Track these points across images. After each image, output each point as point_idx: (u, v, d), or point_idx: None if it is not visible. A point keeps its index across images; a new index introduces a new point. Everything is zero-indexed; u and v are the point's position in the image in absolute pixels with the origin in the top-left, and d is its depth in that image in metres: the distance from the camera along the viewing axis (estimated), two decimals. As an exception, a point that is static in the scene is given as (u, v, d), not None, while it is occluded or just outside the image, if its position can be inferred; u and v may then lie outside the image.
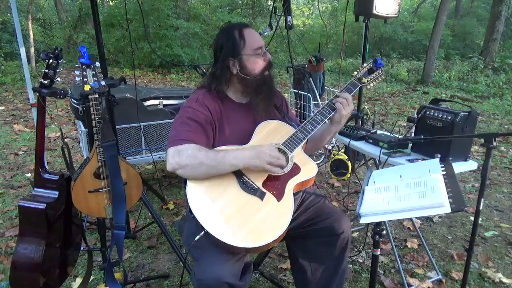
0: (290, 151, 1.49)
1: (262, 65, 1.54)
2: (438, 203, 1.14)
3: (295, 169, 1.48)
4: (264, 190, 1.40)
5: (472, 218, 1.91)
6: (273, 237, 1.29)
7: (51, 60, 1.57)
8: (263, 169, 1.40)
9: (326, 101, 1.62)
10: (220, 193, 1.37)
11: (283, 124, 1.61)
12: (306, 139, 1.52)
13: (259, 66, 1.53)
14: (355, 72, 1.69)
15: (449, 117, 1.90)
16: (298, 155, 1.51)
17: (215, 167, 1.37)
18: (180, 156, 1.35)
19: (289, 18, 2.48)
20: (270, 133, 1.55)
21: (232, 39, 1.51)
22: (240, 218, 1.32)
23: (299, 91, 3.76)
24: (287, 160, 1.48)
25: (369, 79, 1.68)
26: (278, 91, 1.73)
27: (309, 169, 1.49)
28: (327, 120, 1.56)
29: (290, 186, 1.43)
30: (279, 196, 1.40)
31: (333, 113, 1.55)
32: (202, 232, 1.27)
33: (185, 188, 1.38)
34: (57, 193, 1.70)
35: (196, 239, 1.26)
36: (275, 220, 1.34)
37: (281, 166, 1.42)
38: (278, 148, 1.50)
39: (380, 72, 1.71)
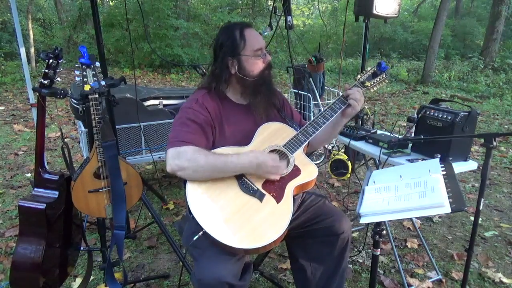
0: (290, 153, 1.49)
1: (261, 67, 1.53)
2: (438, 203, 1.14)
3: (296, 171, 1.47)
4: (263, 191, 1.40)
5: (472, 218, 1.91)
6: (271, 238, 1.29)
7: (51, 60, 1.57)
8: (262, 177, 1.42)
9: (326, 101, 1.62)
10: (219, 194, 1.37)
11: (285, 126, 1.60)
12: (308, 141, 1.52)
13: (258, 67, 1.52)
14: (359, 76, 1.67)
15: (449, 117, 1.90)
16: (299, 157, 1.50)
17: (215, 172, 1.37)
18: (180, 159, 1.35)
19: (289, 18, 2.48)
20: (272, 135, 1.54)
21: (232, 38, 1.49)
22: (239, 219, 1.31)
23: (299, 91, 3.76)
24: (288, 163, 1.48)
25: (372, 83, 1.65)
26: (278, 91, 1.72)
27: (309, 172, 1.48)
28: (332, 119, 1.55)
29: (290, 188, 1.43)
30: (278, 197, 1.39)
31: (335, 115, 1.54)
32: (201, 232, 1.27)
33: (185, 188, 1.38)
34: (57, 193, 1.70)
35: (194, 238, 1.26)
36: (274, 222, 1.33)
37: (280, 174, 1.43)
38: (279, 150, 1.49)
39: (384, 76, 1.68)
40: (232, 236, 1.27)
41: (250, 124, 1.56)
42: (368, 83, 1.65)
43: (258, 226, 1.31)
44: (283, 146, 1.50)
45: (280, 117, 1.66)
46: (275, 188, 1.42)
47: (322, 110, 1.57)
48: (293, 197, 1.42)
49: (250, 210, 1.34)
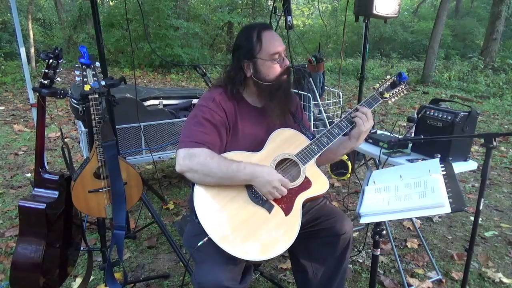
0: (302, 164, 1.45)
1: (277, 71, 1.48)
2: (438, 203, 1.14)
3: (306, 183, 1.44)
4: (273, 202, 1.38)
5: (472, 218, 1.91)
6: (276, 252, 1.29)
7: (51, 60, 1.57)
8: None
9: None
10: (228, 201, 1.34)
11: (298, 134, 1.55)
12: (321, 153, 1.49)
13: (274, 72, 1.47)
14: (377, 85, 1.60)
15: (449, 117, 1.90)
16: (311, 169, 1.47)
17: (224, 179, 1.34)
18: (191, 160, 1.33)
19: (289, 18, 2.48)
20: (284, 142, 1.50)
21: (249, 40, 1.46)
22: (245, 229, 1.30)
23: (299, 91, 3.76)
24: (299, 173, 1.45)
25: (391, 94, 1.58)
26: (294, 96, 1.68)
27: (320, 185, 1.45)
28: (344, 134, 1.52)
29: (299, 201, 1.40)
30: (287, 210, 1.37)
31: (350, 127, 1.51)
32: (206, 238, 1.26)
33: (192, 190, 1.36)
34: (57, 193, 1.70)
35: (199, 244, 1.25)
36: (280, 236, 1.32)
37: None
38: (291, 160, 1.47)
39: (404, 87, 1.60)
40: (236, 246, 1.25)
41: (264, 128, 1.52)
42: (387, 94, 1.57)
43: (264, 239, 1.29)
44: (296, 156, 1.47)
45: (294, 122, 1.62)
46: (285, 199, 1.39)
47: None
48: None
49: (258, 221, 1.33)
